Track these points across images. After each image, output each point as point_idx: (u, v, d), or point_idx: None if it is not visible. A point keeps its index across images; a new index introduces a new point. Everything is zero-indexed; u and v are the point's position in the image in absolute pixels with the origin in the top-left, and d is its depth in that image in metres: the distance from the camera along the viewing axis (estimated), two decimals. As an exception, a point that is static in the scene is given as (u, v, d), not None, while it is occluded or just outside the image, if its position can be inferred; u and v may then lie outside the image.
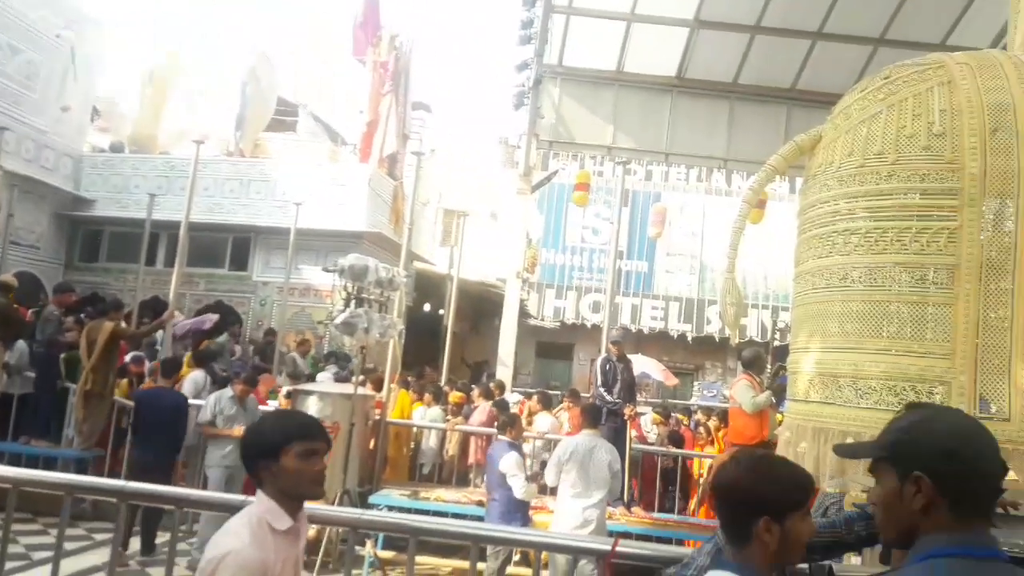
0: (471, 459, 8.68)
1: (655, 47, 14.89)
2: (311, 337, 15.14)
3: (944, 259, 4.00)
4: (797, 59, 14.64)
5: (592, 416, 5.95)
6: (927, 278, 4.02)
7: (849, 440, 4.05)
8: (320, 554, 6.34)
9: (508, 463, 5.80)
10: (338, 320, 7.02)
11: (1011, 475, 3.66)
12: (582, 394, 14.00)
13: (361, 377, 7.71)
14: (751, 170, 15.75)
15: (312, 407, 7.30)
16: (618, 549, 2.64)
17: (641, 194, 17.34)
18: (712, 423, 9.31)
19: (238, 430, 7.30)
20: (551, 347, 17.16)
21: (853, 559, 4.13)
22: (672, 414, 10.08)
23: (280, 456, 2.08)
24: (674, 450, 8.43)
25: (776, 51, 14.56)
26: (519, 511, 5.91)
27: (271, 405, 8.48)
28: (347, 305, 7.09)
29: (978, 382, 3.84)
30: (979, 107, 4.12)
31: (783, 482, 1.76)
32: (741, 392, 6.16)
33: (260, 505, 2.09)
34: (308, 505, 2.26)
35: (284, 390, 9.30)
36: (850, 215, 4.36)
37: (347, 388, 7.62)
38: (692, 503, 7.89)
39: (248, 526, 2.01)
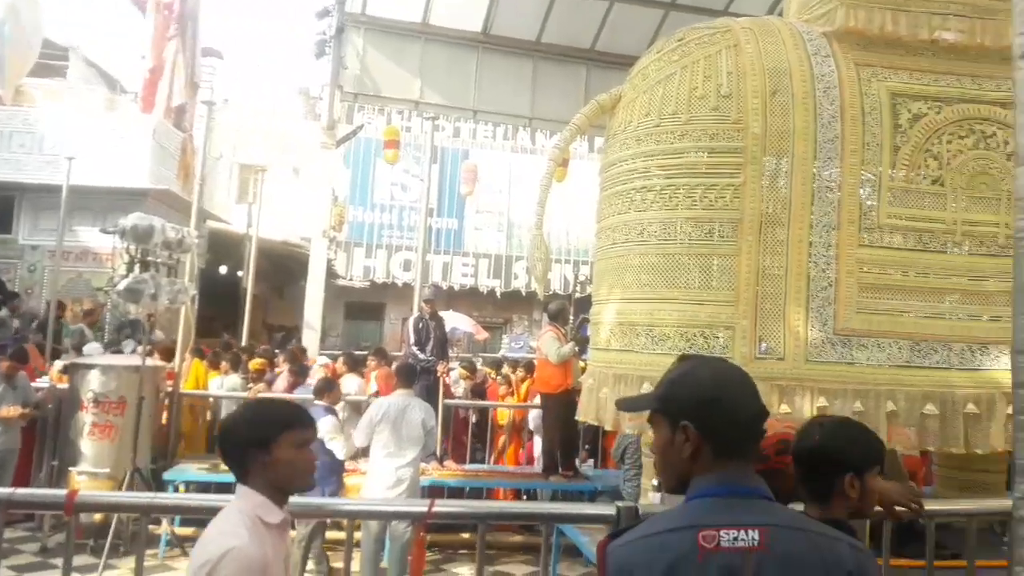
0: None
1: (460, 1, 14.73)
2: (94, 306, 13.77)
3: (729, 214, 4.27)
4: (596, 20, 15.10)
5: (405, 375, 5.89)
6: (714, 232, 4.28)
7: (646, 385, 4.27)
8: (109, 536, 5.81)
9: (325, 427, 5.63)
10: (121, 286, 6.37)
11: (784, 408, 4.04)
12: (392, 353, 13.92)
13: (148, 347, 7.09)
14: (555, 129, 16.15)
15: (94, 382, 6.64)
16: (434, 509, 2.58)
17: (450, 151, 17.27)
18: (518, 374, 9.55)
19: (6, 411, 6.53)
20: (361, 307, 16.80)
21: (651, 495, 4.40)
22: (478, 367, 10.22)
23: (271, 447, 1.96)
24: (479, 402, 8.60)
25: (576, 11, 14.91)
26: (334, 474, 5.81)
27: (44, 382, 7.61)
28: (131, 270, 6.44)
29: (758, 326, 4.17)
30: (761, 70, 4.40)
31: (861, 442, 1.94)
32: (547, 343, 6.35)
33: (248, 500, 1.96)
34: (86, 492, 2.00)
35: (58, 364, 8.38)
36: (646, 173, 4.54)
37: (134, 360, 6.98)
38: (497, 451, 8.11)
39: (243, 523, 1.90)
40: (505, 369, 10.03)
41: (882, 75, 4.47)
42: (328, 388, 6.10)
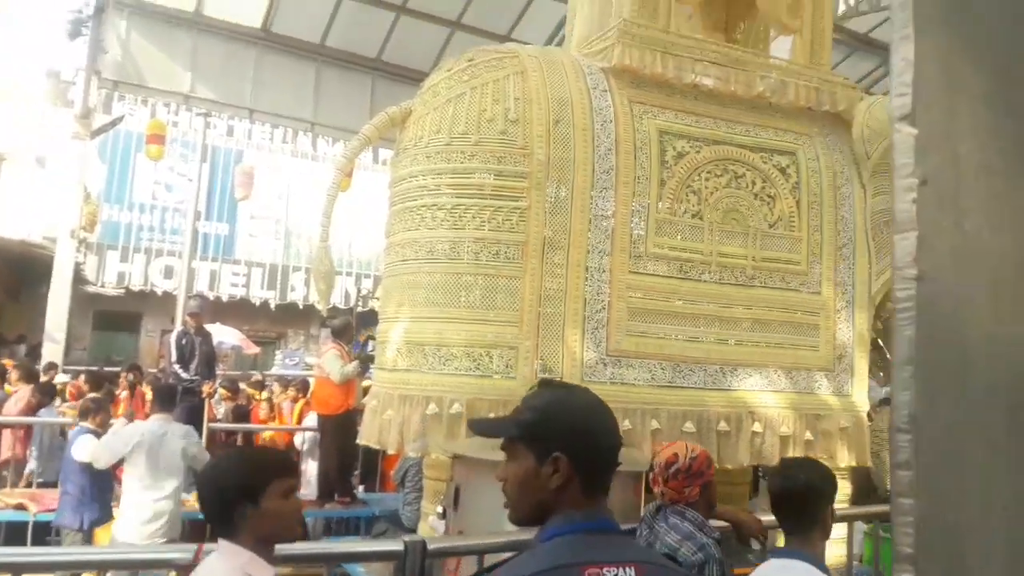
0: (5, 454, 7.23)
1: (239, -6, 13.97)
2: None
3: (516, 236, 4.38)
4: (382, 30, 15.00)
5: (163, 398, 5.37)
6: (500, 253, 4.37)
7: (432, 405, 4.25)
8: None
9: (82, 448, 5.05)
10: None
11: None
12: (149, 369, 12.73)
13: None
14: (337, 136, 15.80)
15: None
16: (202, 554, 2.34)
17: (222, 150, 16.17)
18: (289, 393, 9.08)
19: None
20: (113, 317, 15.15)
21: (432, 520, 4.36)
22: (241, 387, 9.59)
23: (259, 499, 1.85)
24: (246, 425, 8.09)
25: (362, 19, 14.72)
26: (96, 500, 5.32)
27: None
28: None
29: (540, 347, 4.30)
30: (545, 99, 4.58)
31: (831, 478, 2.21)
32: (330, 361, 6.12)
33: (236, 557, 1.82)
34: None
35: None
36: (436, 191, 4.54)
37: None
38: None
39: None
40: (266, 393, 9.45)
41: (652, 112, 4.82)
42: (96, 409, 5.50)
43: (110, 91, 13.99)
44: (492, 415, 4.11)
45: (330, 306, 5.30)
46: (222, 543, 1.87)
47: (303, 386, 9.09)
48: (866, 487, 5.66)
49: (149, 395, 7.85)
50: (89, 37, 11.99)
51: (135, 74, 13.90)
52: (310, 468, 7.29)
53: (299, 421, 8.08)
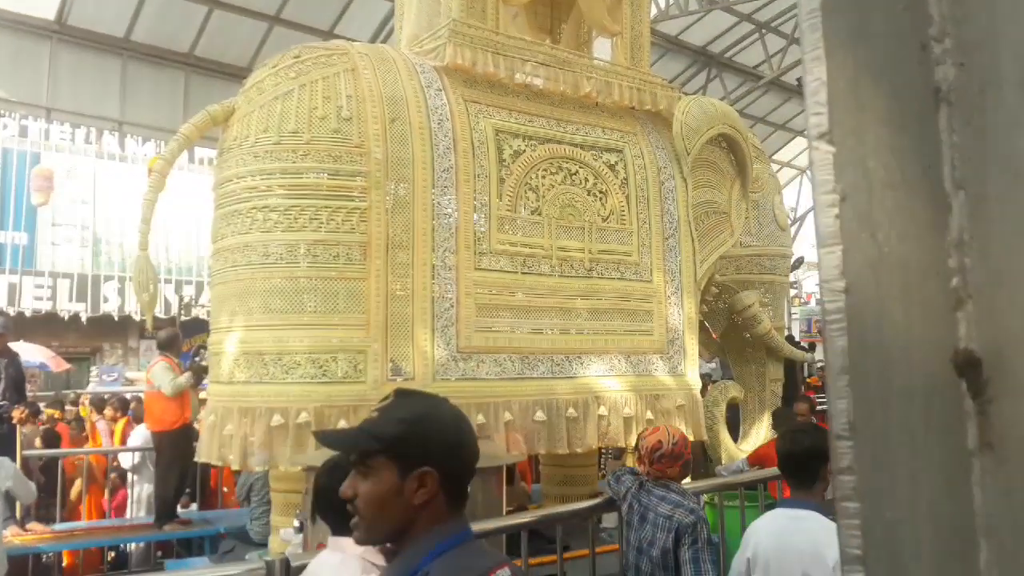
0: None
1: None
2: None
3: (356, 237, 4.29)
4: (195, 24, 14.14)
5: None
6: (341, 255, 4.26)
7: (277, 417, 4.07)
8: None
9: None
10: None
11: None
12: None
13: None
14: (148, 135, 14.74)
15: None
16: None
17: (15, 152, 14.63)
18: (107, 412, 8.35)
19: None
20: None
21: (284, 532, 4.19)
22: (41, 408, 8.65)
23: None
24: (72, 450, 7.36)
25: (172, 11, 13.79)
26: None
27: None
28: None
29: (389, 348, 4.24)
30: (379, 97, 4.51)
31: (827, 437, 2.33)
32: (160, 375, 5.70)
33: (353, 548, 1.83)
34: None
35: None
36: (268, 192, 4.36)
37: None
38: (70, 505, 6.89)
39: (362, 569, 1.86)
40: (86, 406, 8.65)
41: (487, 112, 4.89)
42: None
43: None
44: (343, 422, 4.02)
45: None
46: (335, 540, 1.97)
47: (122, 404, 8.40)
48: (701, 459, 6.06)
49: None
50: None
51: (-97, 68, 12.26)
52: (143, 490, 6.79)
53: (123, 441, 7.46)
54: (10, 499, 4.63)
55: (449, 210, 4.54)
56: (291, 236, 4.27)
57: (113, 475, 7.18)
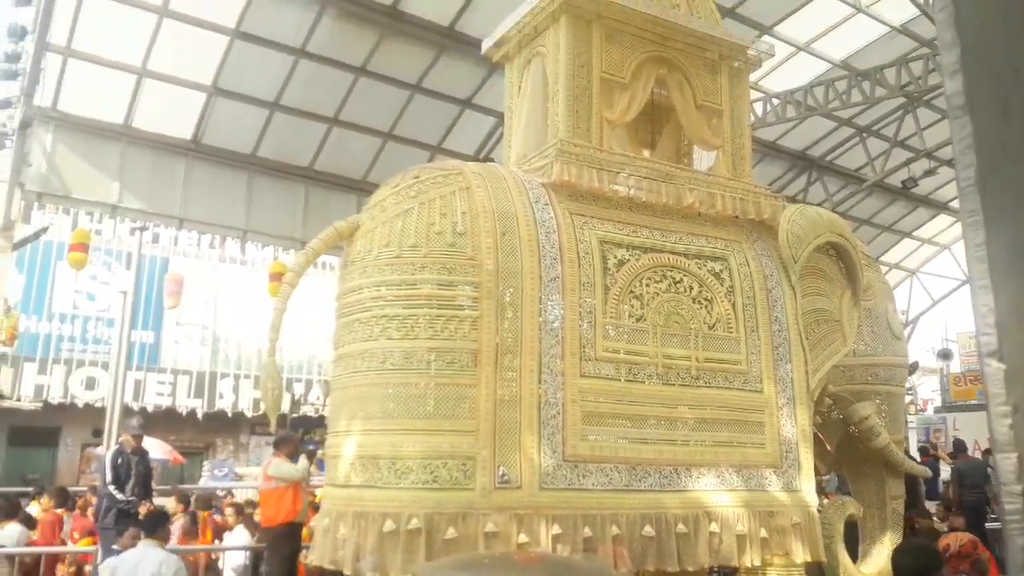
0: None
1: (169, 106, 14.04)
2: None
3: (468, 344, 4.45)
4: (315, 140, 15.24)
5: (148, 524, 5.17)
6: (456, 361, 4.42)
7: (389, 522, 4.16)
8: None
9: None
10: None
11: (523, 538, 4.17)
12: (73, 489, 11.98)
13: None
14: (268, 241, 15.73)
15: None
16: None
17: (147, 258, 15.88)
18: (228, 512, 8.63)
19: None
20: (29, 433, 14.28)
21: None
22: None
23: None
24: (208, 546, 7.67)
25: (295, 130, 14.95)
26: None
27: None
28: None
29: (497, 455, 4.31)
30: (491, 212, 4.77)
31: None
32: (280, 466, 6.03)
33: None
34: None
35: None
36: (387, 301, 4.60)
37: None
38: None
39: None
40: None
41: (592, 224, 5.06)
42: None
43: (29, 202, 13.69)
44: (452, 529, 4.08)
45: (261, 412, 5.20)
46: None
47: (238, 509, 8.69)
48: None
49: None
50: (13, 150, 11.81)
51: (60, 185, 13.65)
52: None
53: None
54: None
55: (555, 318, 4.66)
56: (408, 344, 4.47)
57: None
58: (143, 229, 10.25)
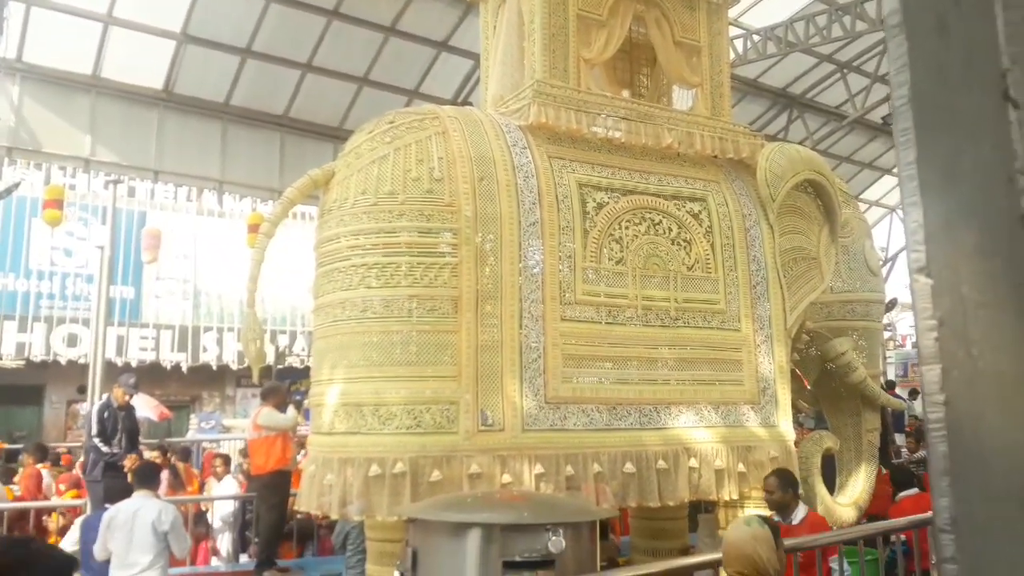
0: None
1: (139, 55, 13.69)
2: None
3: (449, 291, 4.46)
4: (289, 87, 14.95)
5: (141, 476, 5.23)
6: (436, 308, 4.43)
7: (374, 467, 4.21)
8: None
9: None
10: None
11: (507, 478, 4.25)
12: (55, 444, 12.03)
13: None
14: (245, 192, 15.55)
15: None
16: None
17: (124, 212, 15.63)
18: (217, 463, 8.69)
19: None
20: (13, 391, 14.21)
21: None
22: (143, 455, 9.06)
23: None
24: (192, 496, 7.77)
25: (268, 77, 14.65)
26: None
27: None
28: None
29: (479, 398, 4.36)
30: (468, 157, 4.71)
31: None
32: (271, 416, 6.09)
33: None
34: None
35: None
36: (366, 250, 4.58)
37: None
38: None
39: None
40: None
41: (570, 167, 5.02)
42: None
43: (1, 157, 13.40)
44: (436, 472, 4.14)
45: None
46: None
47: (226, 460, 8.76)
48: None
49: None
50: (-21, 104, 11.50)
51: (30, 139, 13.38)
52: (221, 539, 7.09)
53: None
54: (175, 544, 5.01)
55: (535, 263, 4.66)
56: (388, 292, 4.46)
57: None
58: (117, 182, 10.04)
